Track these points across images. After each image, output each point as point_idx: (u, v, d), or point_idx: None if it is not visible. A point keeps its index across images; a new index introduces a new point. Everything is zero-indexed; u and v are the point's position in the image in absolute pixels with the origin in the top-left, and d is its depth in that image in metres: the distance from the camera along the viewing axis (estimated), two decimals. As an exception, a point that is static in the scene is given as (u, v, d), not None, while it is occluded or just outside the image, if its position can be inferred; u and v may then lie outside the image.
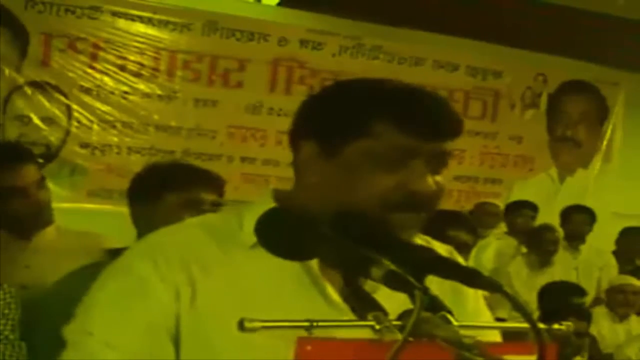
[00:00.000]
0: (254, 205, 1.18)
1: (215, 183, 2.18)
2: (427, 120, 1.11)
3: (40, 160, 4.44)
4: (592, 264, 6.07)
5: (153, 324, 1.09)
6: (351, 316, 1.09)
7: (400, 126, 1.10)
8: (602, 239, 6.28)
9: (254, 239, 1.09)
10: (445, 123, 1.13)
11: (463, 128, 1.13)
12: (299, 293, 1.11)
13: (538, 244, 5.78)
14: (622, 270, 5.85)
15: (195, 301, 1.09)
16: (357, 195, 1.10)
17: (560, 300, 4.56)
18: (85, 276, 1.19)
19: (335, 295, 1.12)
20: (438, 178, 1.13)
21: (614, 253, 6.25)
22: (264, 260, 1.08)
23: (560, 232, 5.94)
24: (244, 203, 1.23)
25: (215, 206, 2.10)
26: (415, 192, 1.10)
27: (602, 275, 5.98)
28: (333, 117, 1.14)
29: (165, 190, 2.08)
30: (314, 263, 1.11)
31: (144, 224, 2.07)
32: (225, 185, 2.25)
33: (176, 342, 1.09)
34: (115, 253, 1.22)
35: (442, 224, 3.16)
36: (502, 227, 6.21)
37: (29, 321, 2.10)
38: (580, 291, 4.89)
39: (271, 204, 1.16)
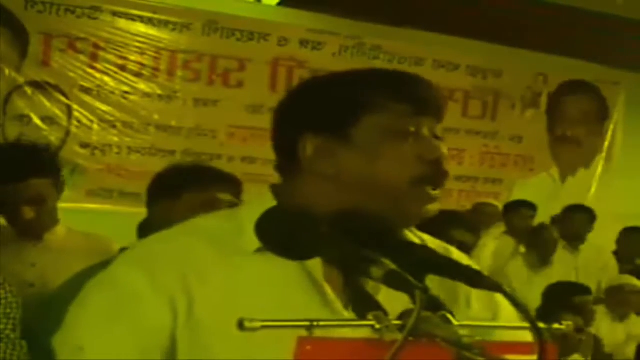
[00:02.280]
0: (253, 207, 1.15)
1: (232, 184, 2.18)
2: (418, 94, 1.16)
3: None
4: (592, 264, 6.05)
5: (144, 338, 1.07)
6: (351, 316, 1.09)
7: (397, 97, 1.14)
8: (602, 239, 6.27)
9: (256, 244, 1.08)
10: (433, 99, 1.18)
11: (446, 109, 1.19)
12: (300, 298, 1.10)
13: (536, 244, 5.76)
14: (622, 270, 5.84)
15: (193, 310, 1.08)
16: (385, 170, 1.11)
17: (564, 298, 4.54)
18: (94, 276, 1.18)
19: (337, 300, 1.11)
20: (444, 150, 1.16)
21: (615, 253, 6.24)
22: (265, 265, 1.08)
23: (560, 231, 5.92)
24: (242, 204, 1.23)
25: (232, 207, 2.10)
26: (435, 161, 1.13)
27: (602, 275, 5.96)
28: (333, 105, 1.15)
29: (185, 191, 2.07)
30: (317, 266, 1.10)
31: (161, 223, 2.06)
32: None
33: (173, 353, 1.08)
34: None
35: (443, 224, 3.15)
36: (501, 227, 6.20)
37: (34, 321, 2.09)
38: (584, 290, 4.87)
39: (271, 202, 1.15)
